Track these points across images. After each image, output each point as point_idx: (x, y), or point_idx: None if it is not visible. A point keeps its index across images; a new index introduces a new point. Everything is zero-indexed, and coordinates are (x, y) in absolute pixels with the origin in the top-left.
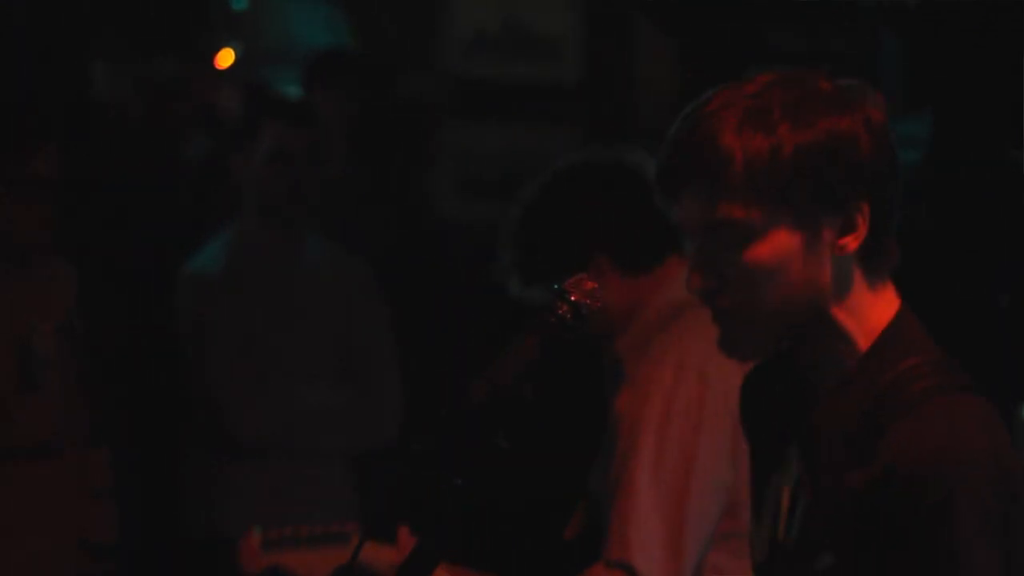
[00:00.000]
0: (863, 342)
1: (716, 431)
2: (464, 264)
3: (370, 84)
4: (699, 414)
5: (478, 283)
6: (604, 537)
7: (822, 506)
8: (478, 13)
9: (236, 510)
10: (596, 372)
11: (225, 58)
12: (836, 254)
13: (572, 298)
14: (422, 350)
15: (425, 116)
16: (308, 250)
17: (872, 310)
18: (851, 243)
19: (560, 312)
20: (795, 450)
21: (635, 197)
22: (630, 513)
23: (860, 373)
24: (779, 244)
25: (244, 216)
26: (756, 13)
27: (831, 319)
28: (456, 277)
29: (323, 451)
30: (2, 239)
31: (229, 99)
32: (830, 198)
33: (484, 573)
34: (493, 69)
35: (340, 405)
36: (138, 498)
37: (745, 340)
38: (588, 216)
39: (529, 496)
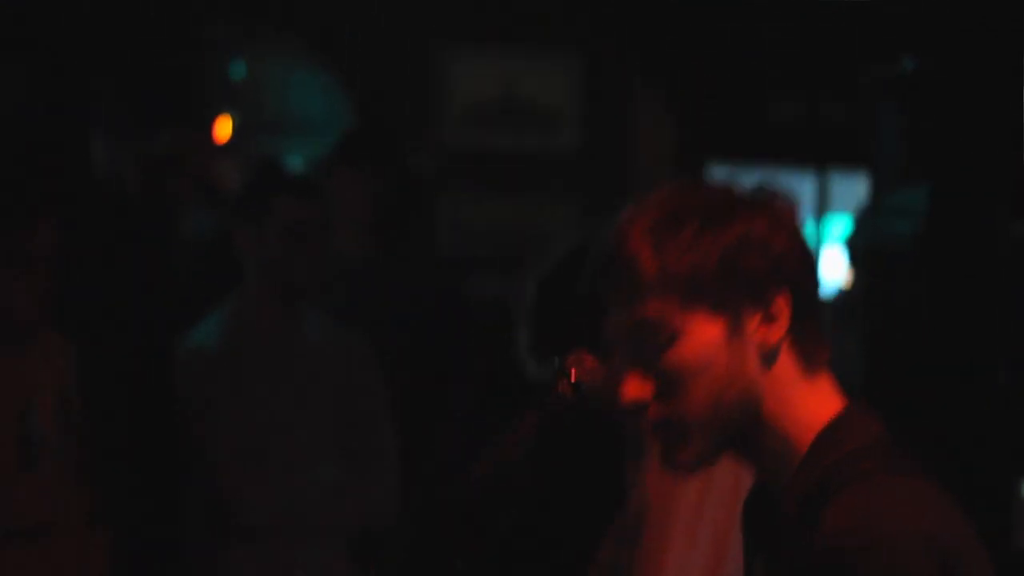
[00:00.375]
0: (805, 437)
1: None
2: (468, 337)
3: (394, 161)
4: (734, 503)
5: (481, 356)
6: None
7: None
8: (476, 84)
9: None
10: (606, 443)
11: (223, 129)
12: (764, 345)
13: (573, 375)
14: (424, 425)
15: (426, 189)
16: (308, 326)
17: (810, 403)
18: (775, 332)
19: (561, 389)
20: (760, 556)
21: None
22: None
23: (802, 468)
24: (701, 340)
25: (244, 290)
26: (756, 83)
27: (766, 420)
28: (460, 351)
29: (321, 530)
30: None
31: (228, 171)
32: (747, 288)
33: None
34: (491, 140)
35: (339, 484)
36: None
37: (682, 449)
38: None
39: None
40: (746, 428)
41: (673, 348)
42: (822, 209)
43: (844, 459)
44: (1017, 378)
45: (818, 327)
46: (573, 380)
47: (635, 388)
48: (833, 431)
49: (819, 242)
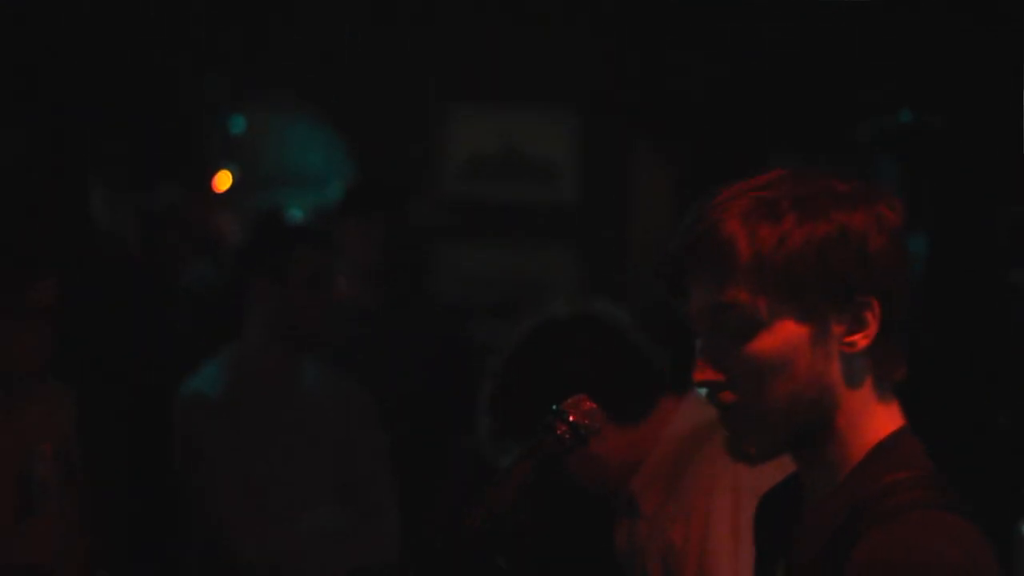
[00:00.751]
0: (858, 453)
1: None
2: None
3: (400, 211)
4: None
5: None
6: None
7: None
8: (476, 137)
9: None
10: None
11: (222, 182)
12: (846, 351)
13: (571, 418)
14: (422, 470)
15: (424, 238)
16: (308, 374)
17: (874, 421)
18: (860, 341)
19: (558, 433)
20: (782, 562)
21: (615, 347)
22: None
23: (846, 484)
24: (785, 336)
25: (247, 339)
26: (755, 136)
27: (835, 429)
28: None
29: (321, 574)
30: (1, 365)
31: (227, 225)
32: (839, 291)
33: None
34: (490, 191)
35: (339, 527)
36: None
37: (749, 440)
38: (576, 370)
39: None
40: (815, 432)
41: (756, 339)
42: None
43: (887, 487)
44: (1017, 421)
45: (902, 344)
46: (572, 422)
47: (708, 372)
48: (884, 453)
49: None
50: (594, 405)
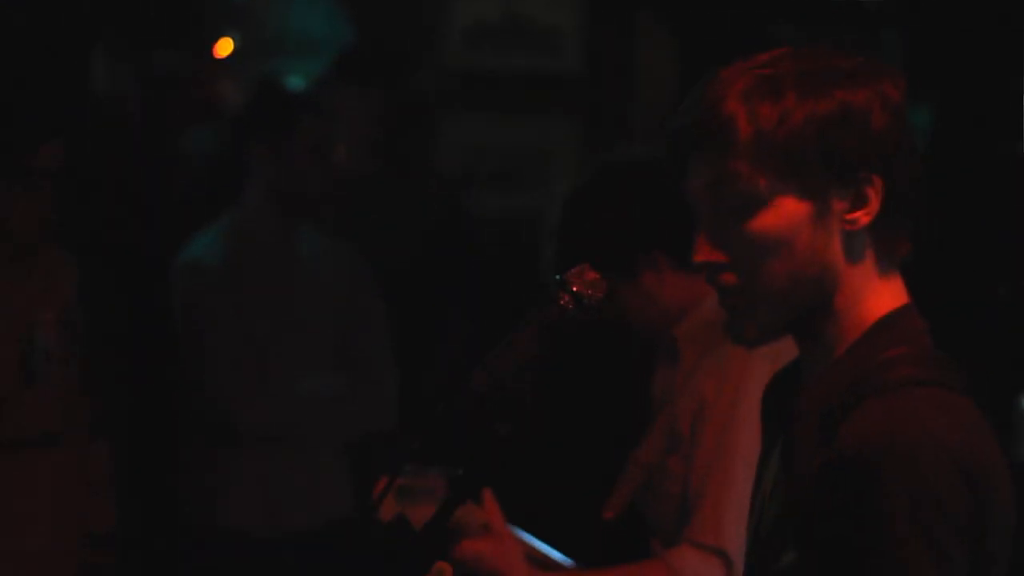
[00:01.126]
0: (857, 331)
1: None
2: (472, 254)
3: (396, 80)
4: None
5: (484, 272)
6: (689, 519)
7: (791, 496)
8: (478, 4)
9: (234, 499)
10: (620, 356)
11: (223, 48)
12: (847, 229)
13: (574, 288)
14: (427, 338)
15: (428, 108)
16: (305, 240)
17: (875, 298)
18: (862, 218)
19: (562, 302)
20: (780, 439)
21: (676, 193)
22: (727, 502)
23: (842, 360)
24: (786, 213)
25: (244, 205)
26: (757, 5)
27: (835, 308)
28: (462, 264)
29: (320, 439)
30: (3, 232)
31: (228, 91)
32: (840, 168)
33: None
34: (493, 60)
35: (337, 393)
36: (139, 489)
37: (750, 320)
38: (645, 212)
39: (561, 476)
40: (815, 311)
41: (756, 217)
42: None
43: (884, 363)
44: (1016, 293)
45: (906, 221)
46: (575, 292)
47: (707, 251)
48: (883, 329)
49: None
50: (597, 275)
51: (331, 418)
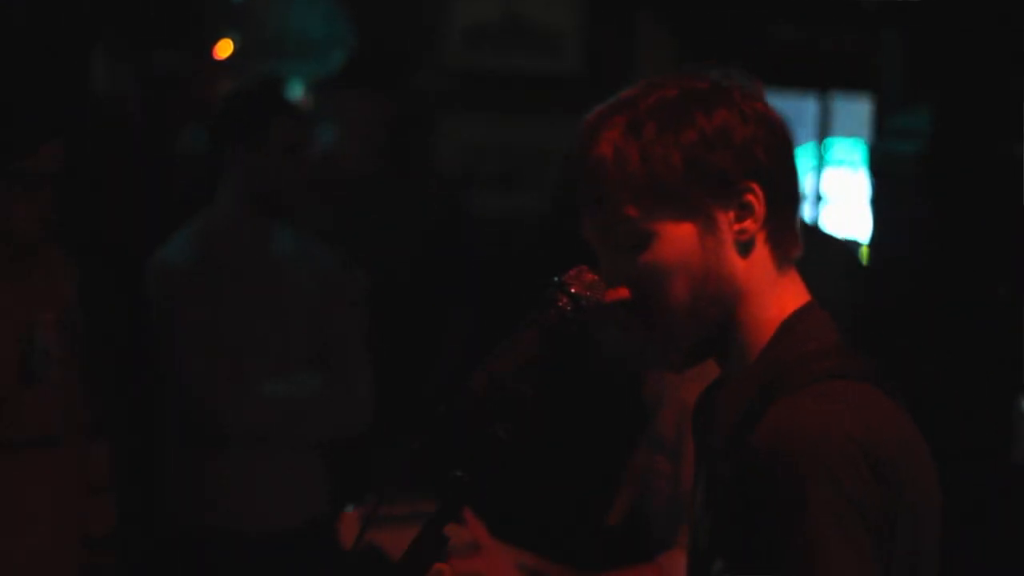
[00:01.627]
0: (765, 336)
1: None
2: (469, 254)
3: (399, 82)
4: None
5: (484, 272)
6: (682, 523)
7: (711, 501)
8: (478, 5)
9: (212, 500)
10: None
11: (223, 49)
12: (739, 239)
13: (572, 290)
14: (426, 339)
15: (428, 108)
16: (279, 240)
17: (778, 301)
18: (751, 226)
19: (559, 304)
20: (704, 455)
21: None
22: None
23: (754, 366)
24: (675, 238)
25: (218, 206)
26: (757, 5)
27: (740, 315)
28: (461, 267)
29: (296, 440)
30: (3, 232)
31: (228, 91)
32: (716, 186)
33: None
34: (493, 60)
35: (313, 394)
36: (136, 490)
37: (671, 346)
38: None
39: (564, 483)
40: (724, 323)
41: (648, 250)
42: (824, 132)
43: (794, 361)
44: (1016, 293)
45: (792, 220)
46: (573, 294)
47: (616, 291)
48: (789, 330)
49: (821, 165)
50: (595, 276)
51: (307, 418)
